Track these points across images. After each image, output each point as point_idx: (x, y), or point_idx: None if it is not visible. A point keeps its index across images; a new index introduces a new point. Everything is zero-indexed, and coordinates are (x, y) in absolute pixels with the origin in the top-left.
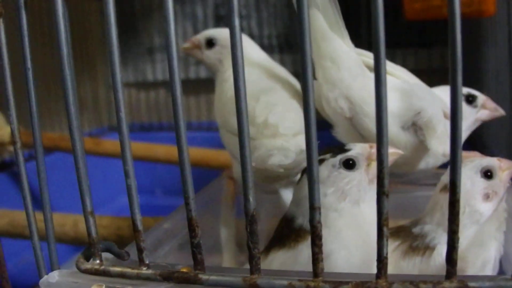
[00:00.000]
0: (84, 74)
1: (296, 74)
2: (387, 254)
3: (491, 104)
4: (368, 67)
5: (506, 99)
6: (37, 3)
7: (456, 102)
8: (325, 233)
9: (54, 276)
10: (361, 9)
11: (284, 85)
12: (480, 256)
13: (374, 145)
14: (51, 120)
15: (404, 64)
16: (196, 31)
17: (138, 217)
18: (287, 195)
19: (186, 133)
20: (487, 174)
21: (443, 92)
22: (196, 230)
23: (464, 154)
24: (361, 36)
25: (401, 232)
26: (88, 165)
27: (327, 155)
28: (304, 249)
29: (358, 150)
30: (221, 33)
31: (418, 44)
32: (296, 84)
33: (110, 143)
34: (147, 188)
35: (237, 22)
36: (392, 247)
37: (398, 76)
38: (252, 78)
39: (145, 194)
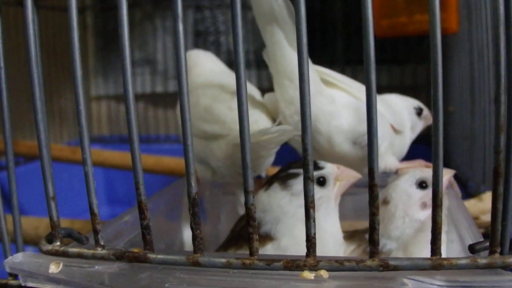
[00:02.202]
0: (66, 86)
1: (272, 88)
2: (314, 234)
3: (430, 116)
4: (325, 83)
5: (467, 111)
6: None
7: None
8: (289, 242)
9: (18, 257)
10: (337, 25)
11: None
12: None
13: (341, 167)
14: (32, 129)
15: (377, 80)
16: (175, 45)
17: (94, 201)
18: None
19: (138, 127)
20: (422, 185)
21: (398, 100)
22: (145, 213)
23: (408, 164)
24: (336, 52)
25: (356, 237)
26: (68, 174)
27: (301, 170)
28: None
29: (329, 169)
30: (190, 53)
31: (391, 61)
32: (253, 90)
33: None
34: (125, 198)
35: (181, 27)
36: (348, 251)
37: (354, 95)
38: (216, 85)
39: (122, 204)
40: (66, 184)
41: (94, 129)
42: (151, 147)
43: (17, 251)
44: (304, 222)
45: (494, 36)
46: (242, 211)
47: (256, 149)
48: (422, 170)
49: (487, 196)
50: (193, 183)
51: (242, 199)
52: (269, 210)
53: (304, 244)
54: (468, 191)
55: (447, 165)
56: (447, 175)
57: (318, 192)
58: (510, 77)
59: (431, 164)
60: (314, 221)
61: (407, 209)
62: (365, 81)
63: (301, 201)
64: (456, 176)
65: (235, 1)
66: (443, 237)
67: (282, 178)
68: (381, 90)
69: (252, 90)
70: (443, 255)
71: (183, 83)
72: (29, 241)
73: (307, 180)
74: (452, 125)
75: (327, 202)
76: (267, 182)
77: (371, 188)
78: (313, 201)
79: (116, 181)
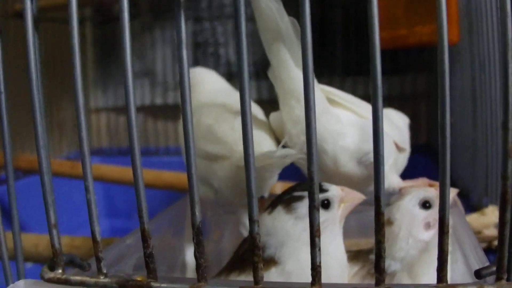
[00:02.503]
0: (64, 98)
1: (272, 100)
2: (320, 263)
3: None
4: (330, 102)
5: (469, 123)
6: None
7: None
8: (294, 266)
9: (19, 285)
10: (336, 36)
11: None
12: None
13: (345, 189)
14: (31, 142)
15: None
16: (174, 57)
17: (97, 228)
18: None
19: (139, 148)
20: (426, 205)
21: (397, 115)
22: (148, 241)
23: (412, 182)
24: (336, 62)
25: (360, 258)
26: (67, 188)
27: (305, 193)
28: (270, 278)
29: (334, 191)
30: (192, 71)
31: (390, 71)
32: (256, 108)
33: None
34: (125, 211)
35: (185, 53)
36: (352, 272)
37: (359, 113)
38: (218, 105)
39: (122, 218)
40: (65, 198)
41: (94, 142)
42: (150, 159)
43: (18, 275)
44: (307, 245)
45: (502, 62)
46: (244, 231)
47: (260, 171)
48: (426, 189)
49: (490, 210)
50: (197, 213)
51: (244, 219)
52: (273, 233)
53: (309, 268)
54: (470, 203)
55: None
56: (451, 193)
57: (322, 215)
58: None
59: (434, 183)
60: (319, 249)
61: (411, 230)
62: (372, 108)
63: (305, 224)
64: (457, 188)
65: (240, 21)
66: (448, 259)
67: (286, 201)
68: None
69: (254, 108)
70: (448, 276)
71: (187, 110)
72: (29, 259)
73: (313, 209)
74: (454, 136)
75: (332, 225)
76: (271, 205)
77: (377, 216)
78: (318, 230)
79: (115, 194)
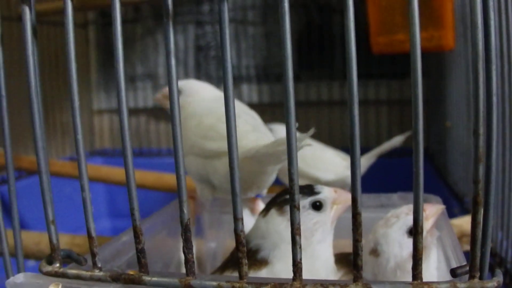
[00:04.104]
0: (68, 100)
1: (272, 103)
2: (301, 259)
3: None
4: None
5: (464, 127)
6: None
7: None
8: (283, 267)
9: (19, 278)
10: (335, 39)
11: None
12: None
13: (338, 190)
14: (33, 145)
15: (377, 95)
16: (177, 61)
17: (92, 225)
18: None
19: (131, 148)
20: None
21: None
22: (140, 237)
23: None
24: (335, 68)
25: (344, 262)
26: (70, 189)
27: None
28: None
29: (326, 193)
30: (186, 84)
31: (390, 76)
32: (250, 111)
33: (88, 167)
34: (126, 212)
35: (173, 61)
36: (339, 275)
37: None
38: (219, 108)
39: (123, 218)
40: (68, 198)
41: (96, 143)
42: (153, 161)
43: (18, 270)
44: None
45: (473, 70)
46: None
47: (266, 162)
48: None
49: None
50: (185, 210)
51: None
52: (267, 236)
53: None
54: (464, 207)
55: (444, 180)
56: (438, 211)
57: (314, 217)
58: (489, 111)
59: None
60: (300, 247)
61: (399, 262)
62: (349, 111)
63: None
64: (453, 192)
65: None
66: (434, 258)
67: (279, 203)
68: (381, 104)
69: (254, 115)
70: (435, 276)
71: (175, 108)
72: (30, 256)
73: (293, 208)
74: (449, 140)
75: (323, 226)
76: (265, 208)
77: (355, 217)
78: (299, 229)
79: (117, 194)
